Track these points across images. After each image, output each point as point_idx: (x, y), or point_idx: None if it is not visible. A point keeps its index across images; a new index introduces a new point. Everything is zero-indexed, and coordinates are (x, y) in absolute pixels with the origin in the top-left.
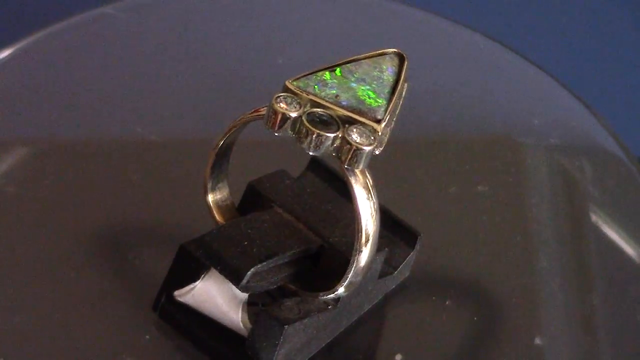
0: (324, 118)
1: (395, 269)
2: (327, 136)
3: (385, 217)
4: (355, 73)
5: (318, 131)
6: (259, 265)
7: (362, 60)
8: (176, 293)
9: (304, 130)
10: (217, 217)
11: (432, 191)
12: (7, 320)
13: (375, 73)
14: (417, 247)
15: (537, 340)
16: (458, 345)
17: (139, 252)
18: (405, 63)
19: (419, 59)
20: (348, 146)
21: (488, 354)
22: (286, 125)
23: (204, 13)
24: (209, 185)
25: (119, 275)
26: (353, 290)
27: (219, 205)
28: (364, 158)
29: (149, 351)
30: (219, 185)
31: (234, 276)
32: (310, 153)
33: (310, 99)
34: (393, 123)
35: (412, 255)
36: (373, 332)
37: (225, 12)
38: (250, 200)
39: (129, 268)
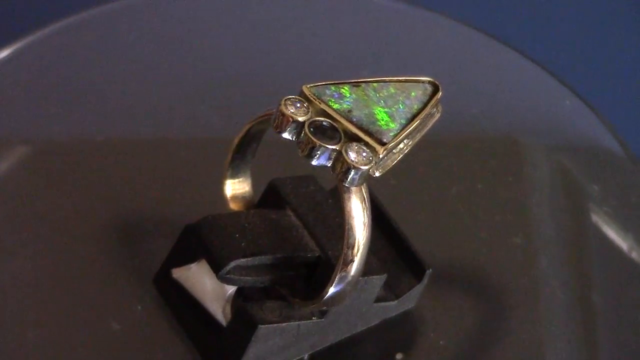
0: (328, 129)
1: (397, 297)
2: (325, 147)
3: (399, 244)
4: (379, 93)
5: (316, 141)
6: (242, 260)
7: (391, 83)
8: (174, 270)
9: (303, 137)
10: (234, 208)
11: (433, 191)
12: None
13: (400, 97)
14: (425, 281)
15: (538, 340)
16: (458, 344)
17: (153, 233)
18: (438, 94)
19: (418, 57)
20: (343, 162)
21: (488, 353)
22: (290, 129)
23: (207, 11)
24: (228, 174)
25: (129, 247)
26: (340, 303)
27: (237, 197)
28: (357, 177)
29: (135, 321)
30: (240, 176)
31: (215, 265)
32: (313, 163)
33: (322, 108)
34: (406, 150)
35: (418, 289)
36: (373, 331)
37: (233, 11)
38: (269, 198)
39: (140, 245)
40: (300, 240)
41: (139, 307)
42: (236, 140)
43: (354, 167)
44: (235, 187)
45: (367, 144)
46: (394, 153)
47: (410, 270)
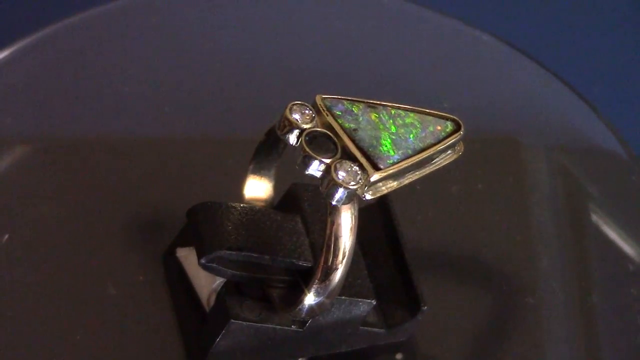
0: (327, 143)
1: (388, 327)
2: (315, 159)
3: (404, 274)
4: (394, 119)
5: (309, 150)
6: (227, 252)
7: (412, 112)
8: (178, 249)
9: (299, 145)
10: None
11: (433, 191)
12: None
13: (414, 129)
14: (419, 318)
15: (538, 340)
16: (458, 344)
17: (177, 214)
18: (457, 134)
19: (418, 57)
20: (330, 177)
21: (488, 353)
22: (292, 134)
23: (208, 11)
24: (250, 167)
25: (148, 225)
26: (314, 316)
27: (255, 196)
28: (343, 196)
29: (132, 290)
30: (262, 174)
31: (199, 251)
32: (306, 172)
33: (328, 121)
34: (406, 182)
35: (411, 324)
36: None
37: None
38: (286, 201)
39: (160, 223)
40: (298, 247)
41: (141, 278)
42: (261, 139)
43: (340, 185)
44: (255, 186)
45: (361, 165)
46: (391, 181)
47: (407, 304)
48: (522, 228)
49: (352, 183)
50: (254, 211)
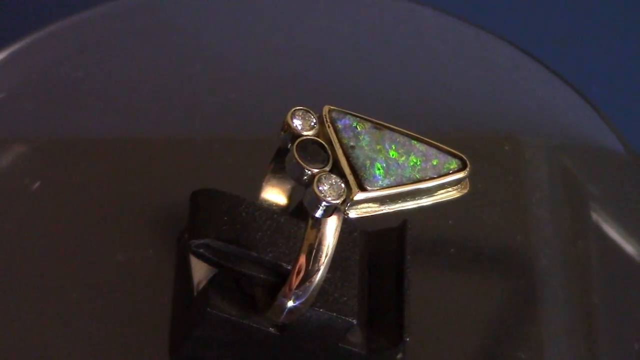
0: (320, 153)
1: (370, 351)
2: (302, 168)
3: (399, 302)
4: (399, 146)
5: (297, 158)
6: (216, 242)
7: (421, 144)
8: (186, 230)
9: (290, 150)
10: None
11: None
12: None
13: (415, 159)
14: (401, 348)
15: (538, 340)
16: (458, 342)
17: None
18: (462, 173)
19: (418, 56)
20: (311, 189)
21: (488, 353)
22: (292, 138)
23: (210, 11)
24: (271, 167)
25: (171, 204)
26: (286, 321)
27: (271, 194)
28: (322, 209)
29: (139, 261)
30: (282, 174)
31: (189, 235)
32: (292, 178)
33: (328, 133)
34: (396, 208)
35: (392, 353)
36: None
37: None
38: (300, 207)
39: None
40: (292, 252)
41: (150, 252)
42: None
43: (318, 198)
44: (272, 187)
45: (347, 183)
46: (377, 205)
47: (392, 332)
48: (522, 228)
49: (332, 198)
50: (257, 208)
